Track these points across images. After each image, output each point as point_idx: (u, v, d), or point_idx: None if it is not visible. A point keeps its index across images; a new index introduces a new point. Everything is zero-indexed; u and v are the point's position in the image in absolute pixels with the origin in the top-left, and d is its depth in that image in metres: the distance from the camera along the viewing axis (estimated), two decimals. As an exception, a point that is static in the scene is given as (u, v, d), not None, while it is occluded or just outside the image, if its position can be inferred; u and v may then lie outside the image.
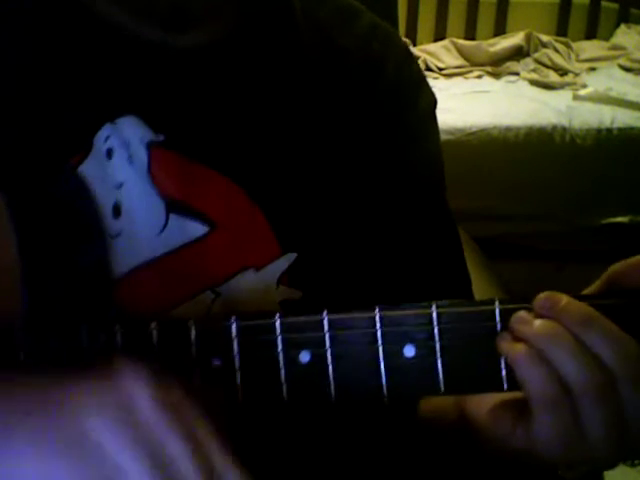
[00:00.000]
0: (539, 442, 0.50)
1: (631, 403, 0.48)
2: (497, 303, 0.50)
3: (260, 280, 0.62)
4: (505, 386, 0.50)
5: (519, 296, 0.50)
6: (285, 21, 0.67)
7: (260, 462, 0.65)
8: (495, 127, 2.40)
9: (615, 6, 3.06)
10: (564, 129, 2.42)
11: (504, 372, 0.49)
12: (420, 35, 3.04)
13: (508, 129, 2.40)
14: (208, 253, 0.61)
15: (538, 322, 0.48)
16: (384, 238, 0.67)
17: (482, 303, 0.50)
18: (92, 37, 0.61)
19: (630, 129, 2.43)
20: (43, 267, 0.56)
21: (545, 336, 0.48)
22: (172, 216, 0.60)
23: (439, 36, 3.03)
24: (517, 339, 0.49)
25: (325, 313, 0.50)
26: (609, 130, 2.42)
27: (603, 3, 3.06)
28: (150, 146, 0.60)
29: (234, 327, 0.50)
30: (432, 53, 2.89)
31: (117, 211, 0.60)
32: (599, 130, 2.42)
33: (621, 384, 0.48)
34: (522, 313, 0.49)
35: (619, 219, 2.44)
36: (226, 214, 0.61)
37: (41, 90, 0.60)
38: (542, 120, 2.43)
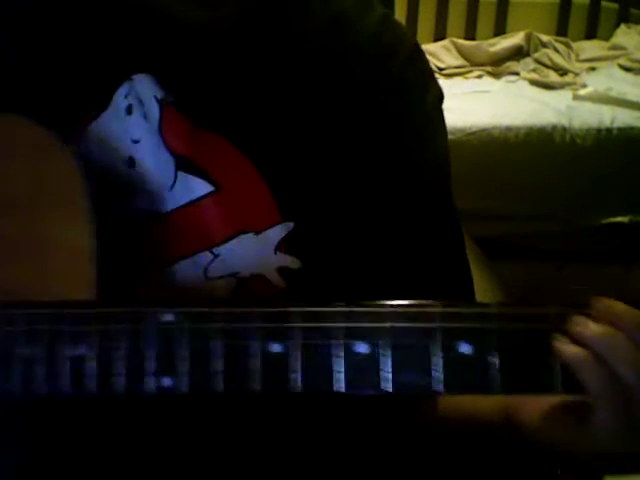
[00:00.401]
0: (601, 441, 0.51)
1: None
2: (552, 306, 0.50)
3: (258, 244, 0.63)
4: (559, 389, 0.50)
5: (573, 301, 0.51)
6: (301, 4, 0.68)
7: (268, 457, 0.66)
8: (495, 127, 2.40)
9: (615, 6, 3.06)
10: (564, 129, 2.42)
11: (559, 375, 0.50)
12: (420, 35, 3.03)
13: (508, 129, 2.40)
14: (210, 213, 0.63)
15: (597, 326, 0.49)
16: (385, 222, 0.68)
17: (537, 305, 0.51)
18: (110, 3, 0.63)
19: (630, 129, 2.43)
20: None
21: (604, 340, 0.49)
22: (180, 173, 0.62)
23: (439, 36, 3.03)
24: (574, 341, 0.49)
25: (386, 304, 0.51)
26: (609, 130, 2.42)
27: (603, 3, 3.05)
28: (162, 103, 0.62)
29: (296, 313, 0.51)
30: (432, 53, 2.89)
31: (132, 164, 0.62)
32: (599, 130, 2.42)
33: None
34: (581, 317, 0.50)
35: (619, 219, 2.44)
36: (230, 177, 0.63)
37: (61, 52, 0.62)
38: (542, 120, 2.43)
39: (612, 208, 2.44)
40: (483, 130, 2.39)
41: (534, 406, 0.55)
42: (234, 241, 0.63)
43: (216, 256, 0.63)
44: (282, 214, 0.64)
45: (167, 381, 0.51)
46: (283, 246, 0.64)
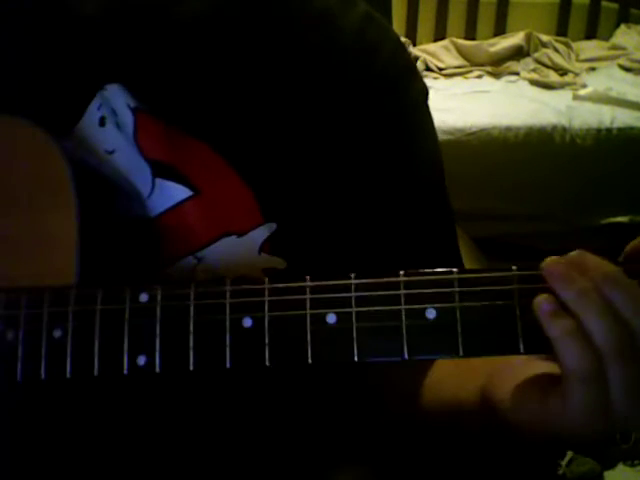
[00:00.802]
0: (573, 413, 0.50)
1: None
2: (515, 268, 0.51)
3: (242, 246, 0.63)
4: (522, 349, 0.50)
5: (535, 263, 0.51)
6: (279, 3, 0.67)
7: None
8: (495, 127, 2.40)
9: (615, 6, 3.06)
10: (564, 129, 2.42)
11: (521, 335, 0.50)
12: (420, 35, 3.04)
13: (508, 129, 2.40)
14: (191, 217, 0.63)
15: (577, 282, 0.48)
16: (371, 219, 0.68)
17: (500, 269, 0.51)
18: (84, 6, 0.62)
19: (630, 129, 2.43)
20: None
21: (577, 295, 0.48)
22: (157, 180, 0.62)
23: (439, 36, 3.03)
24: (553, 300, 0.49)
25: (353, 276, 0.52)
26: (609, 130, 2.42)
27: (603, 3, 3.06)
28: (136, 111, 0.61)
29: (266, 288, 0.52)
30: (432, 53, 2.89)
31: (109, 173, 0.62)
32: (599, 130, 2.42)
33: None
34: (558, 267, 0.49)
35: (619, 219, 2.44)
36: (209, 181, 0.63)
37: (41, 60, 0.62)
38: (542, 120, 2.43)
39: (612, 208, 2.44)
40: (483, 130, 2.39)
41: (506, 386, 0.54)
42: (217, 244, 0.63)
43: (200, 260, 0.63)
44: (264, 215, 0.64)
45: (142, 359, 0.52)
46: (267, 247, 0.64)
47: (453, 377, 0.63)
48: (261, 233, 0.64)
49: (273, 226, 0.64)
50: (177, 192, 0.62)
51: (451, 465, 0.68)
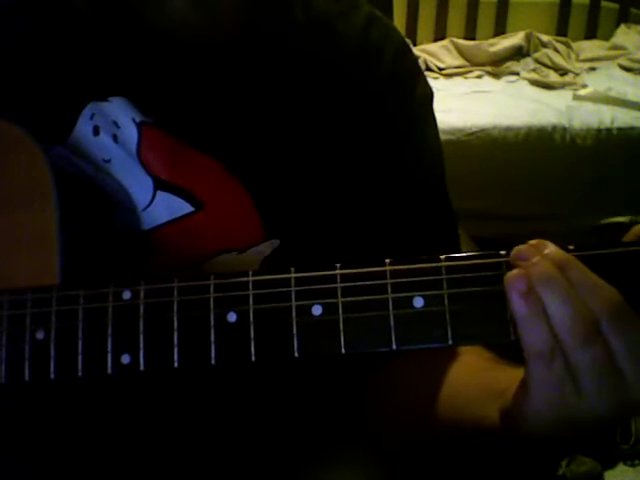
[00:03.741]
0: (536, 391, 0.48)
1: (619, 349, 0.47)
2: (503, 253, 0.50)
3: (242, 263, 0.63)
4: (512, 335, 0.49)
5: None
6: (282, 11, 0.67)
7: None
8: (495, 127, 2.40)
9: (615, 6, 3.06)
10: (564, 129, 2.41)
11: (512, 321, 0.49)
12: (420, 35, 3.03)
13: (508, 129, 2.40)
14: (193, 232, 0.62)
15: (536, 260, 0.48)
16: (376, 232, 0.67)
17: (488, 255, 0.51)
18: (86, 19, 0.63)
19: (630, 129, 2.43)
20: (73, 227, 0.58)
21: (543, 275, 0.48)
22: (159, 193, 0.62)
23: (439, 36, 3.03)
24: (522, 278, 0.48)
25: (338, 267, 0.51)
26: (609, 130, 2.42)
27: (603, 3, 3.05)
28: (141, 125, 0.61)
29: (250, 281, 0.51)
30: (432, 53, 2.89)
31: (103, 182, 0.62)
32: (599, 130, 2.42)
33: (605, 329, 0.47)
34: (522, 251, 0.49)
35: (619, 219, 2.43)
36: (214, 196, 0.63)
37: (46, 66, 0.62)
38: (542, 120, 2.43)
39: (612, 208, 2.44)
40: (483, 130, 2.39)
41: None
42: (217, 259, 0.62)
43: None
44: (267, 231, 0.63)
45: (126, 358, 0.51)
46: (268, 263, 0.64)
47: (469, 396, 0.61)
48: (263, 250, 0.63)
49: (275, 242, 0.63)
50: (179, 206, 0.62)
51: (450, 464, 0.68)
